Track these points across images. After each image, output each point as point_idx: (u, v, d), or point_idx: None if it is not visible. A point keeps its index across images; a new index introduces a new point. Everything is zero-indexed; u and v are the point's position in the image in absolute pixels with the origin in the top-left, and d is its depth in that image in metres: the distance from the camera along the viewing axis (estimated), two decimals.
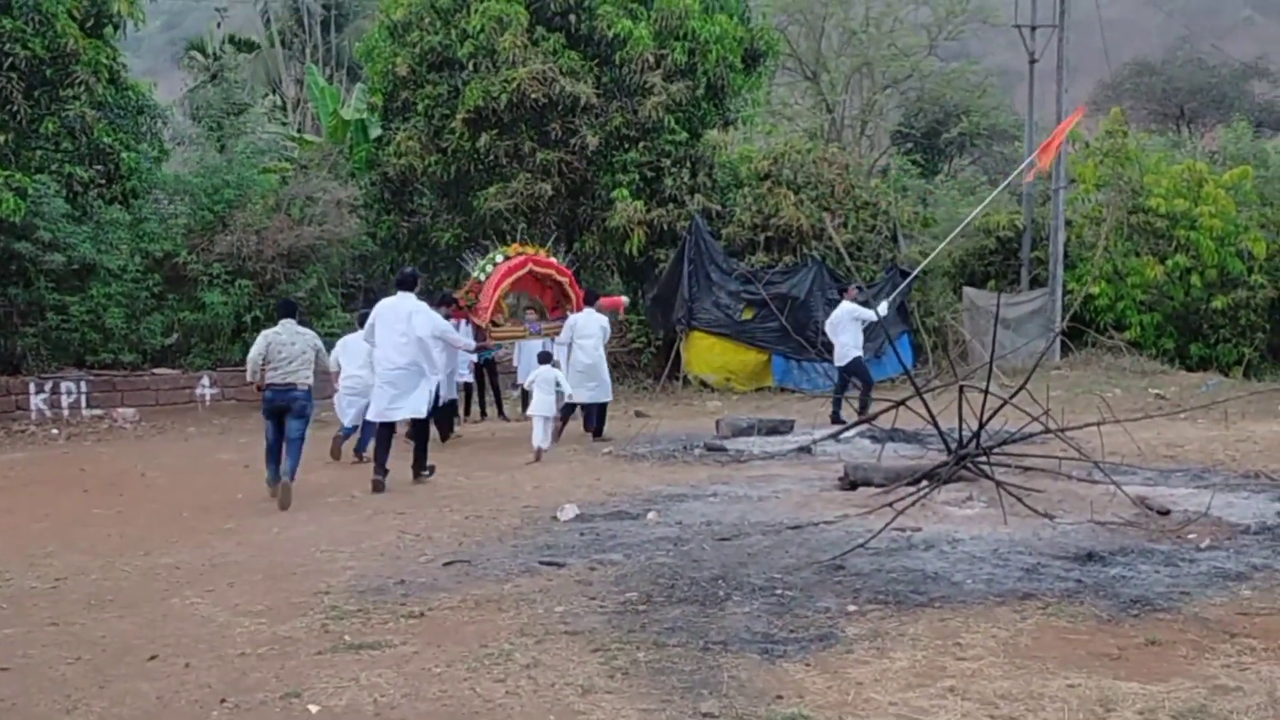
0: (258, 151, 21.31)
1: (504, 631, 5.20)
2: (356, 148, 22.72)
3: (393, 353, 9.84)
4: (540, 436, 11.55)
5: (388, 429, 9.92)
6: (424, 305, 10.21)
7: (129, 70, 19.19)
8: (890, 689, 4.31)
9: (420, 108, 19.92)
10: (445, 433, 12.96)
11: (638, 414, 15.87)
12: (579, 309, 13.68)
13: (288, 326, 9.49)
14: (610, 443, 12.65)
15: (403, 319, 9.86)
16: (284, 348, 9.29)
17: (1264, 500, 8.07)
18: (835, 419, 13.55)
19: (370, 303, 20.96)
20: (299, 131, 27.74)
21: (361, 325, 10.88)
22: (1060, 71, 21.76)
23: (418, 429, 10.13)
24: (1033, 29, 22.62)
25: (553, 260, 14.48)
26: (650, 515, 7.99)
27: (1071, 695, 4.17)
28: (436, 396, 11.01)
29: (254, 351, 9.34)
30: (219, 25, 33.36)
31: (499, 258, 13.78)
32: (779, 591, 5.74)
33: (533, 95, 18.71)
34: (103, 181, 17.82)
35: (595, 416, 13.28)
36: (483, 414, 15.81)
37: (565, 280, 14.24)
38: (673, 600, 5.63)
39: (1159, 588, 5.64)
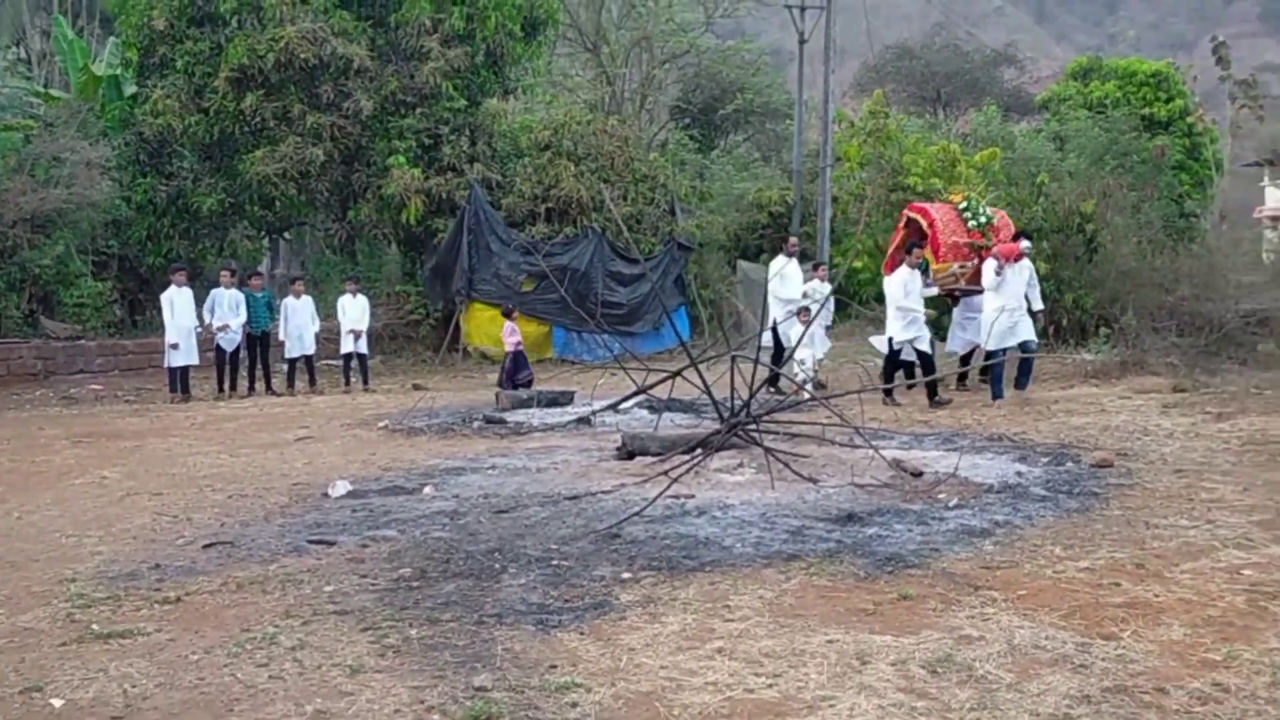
0: None
1: (268, 614, 4.99)
2: (109, 105, 21.24)
3: None
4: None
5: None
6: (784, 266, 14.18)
7: None
8: (661, 653, 4.39)
9: (179, 65, 18.82)
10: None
11: (415, 386, 15.63)
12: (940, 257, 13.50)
13: None
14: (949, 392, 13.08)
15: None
16: None
17: (1006, 461, 8.69)
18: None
19: (125, 271, 19.84)
20: (45, 87, 25.63)
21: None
22: (827, 52, 22.64)
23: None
24: (802, 10, 23.46)
25: (926, 206, 14.27)
26: (426, 489, 7.86)
27: (831, 650, 4.36)
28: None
29: None
30: None
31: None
32: (555, 562, 5.75)
33: (302, 55, 17.98)
34: None
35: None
36: (250, 388, 15.16)
37: (925, 222, 13.73)
38: (447, 575, 5.55)
39: (911, 545, 5.98)
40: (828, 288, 14.86)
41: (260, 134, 18.95)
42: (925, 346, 12.67)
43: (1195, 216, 27.02)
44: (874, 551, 5.84)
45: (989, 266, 12.50)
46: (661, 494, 7.05)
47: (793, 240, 15.42)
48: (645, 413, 11.79)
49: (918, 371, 12.80)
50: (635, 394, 10.90)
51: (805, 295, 14.47)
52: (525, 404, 12.72)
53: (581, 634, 4.64)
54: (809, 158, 24.94)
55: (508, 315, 14.99)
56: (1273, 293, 14.49)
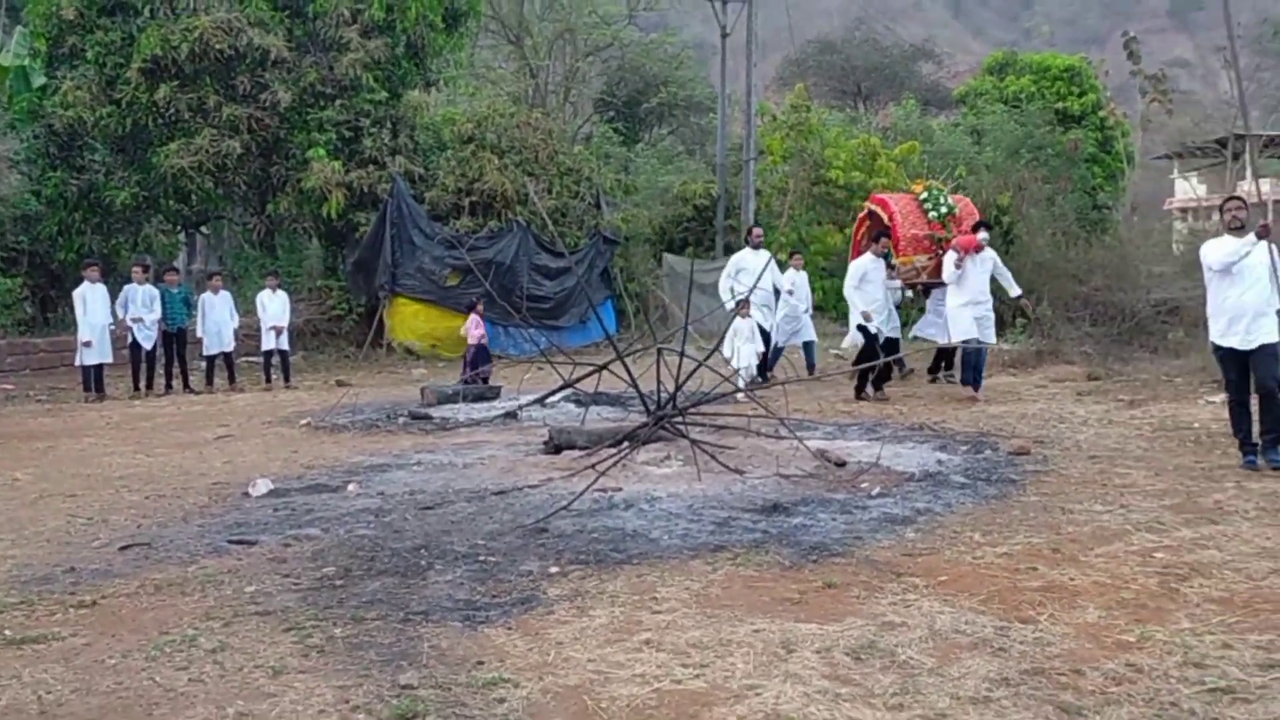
0: None
1: (187, 616, 4.89)
2: (17, 97, 20.58)
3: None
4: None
5: None
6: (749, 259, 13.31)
7: None
8: (589, 646, 4.39)
9: (90, 55, 18.32)
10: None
11: (339, 383, 15.44)
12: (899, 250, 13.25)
13: None
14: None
15: None
16: None
17: (927, 450, 8.84)
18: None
19: (35, 267, 19.28)
20: None
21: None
22: (749, 46, 22.77)
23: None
24: (725, 3, 23.54)
25: (886, 198, 13.97)
26: (350, 487, 7.76)
27: (757, 639, 4.40)
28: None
29: None
30: None
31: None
32: (482, 558, 5.72)
33: (217, 46, 17.63)
34: None
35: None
36: (167, 386, 14.83)
37: (885, 215, 13.44)
38: (372, 573, 5.49)
39: (835, 534, 6.06)
40: (804, 276, 14.74)
41: (175, 126, 18.53)
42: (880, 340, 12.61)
43: (1108, 208, 27.70)
44: (799, 541, 5.90)
45: (949, 260, 12.16)
46: (589, 488, 7.05)
47: (756, 231, 15.10)
48: (572, 407, 11.77)
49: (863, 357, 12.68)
50: (562, 388, 10.89)
51: (781, 292, 14.32)
52: (450, 399, 12.63)
53: (509, 629, 4.62)
54: (732, 151, 25.07)
55: (471, 309, 14.86)
56: (1182, 283, 14.91)
